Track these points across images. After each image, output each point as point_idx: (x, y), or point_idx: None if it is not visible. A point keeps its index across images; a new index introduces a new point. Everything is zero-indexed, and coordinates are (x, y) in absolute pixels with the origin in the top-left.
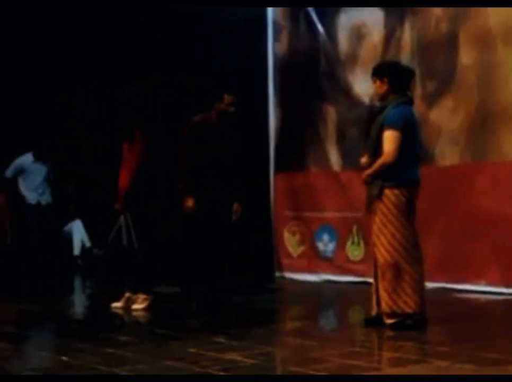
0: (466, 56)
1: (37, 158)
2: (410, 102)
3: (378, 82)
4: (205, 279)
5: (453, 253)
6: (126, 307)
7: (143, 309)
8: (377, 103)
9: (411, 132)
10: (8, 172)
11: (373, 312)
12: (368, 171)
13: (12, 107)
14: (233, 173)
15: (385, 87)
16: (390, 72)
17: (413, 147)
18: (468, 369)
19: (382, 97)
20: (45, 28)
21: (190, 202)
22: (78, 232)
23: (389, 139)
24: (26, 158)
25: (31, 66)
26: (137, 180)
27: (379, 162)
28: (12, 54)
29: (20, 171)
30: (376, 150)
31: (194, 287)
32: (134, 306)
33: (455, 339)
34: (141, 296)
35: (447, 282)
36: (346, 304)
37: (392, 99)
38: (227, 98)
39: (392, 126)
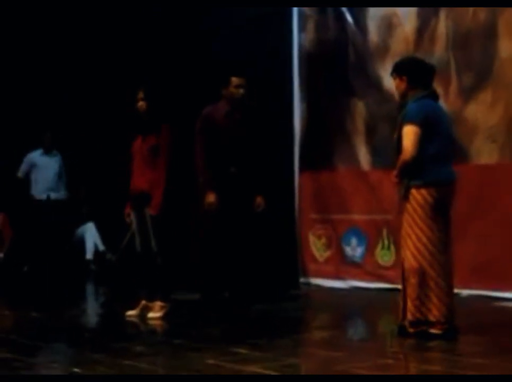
0: (505, 48)
1: (47, 151)
2: (432, 96)
3: (397, 79)
4: (225, 286)
5: (491, 258)
6: (142, 316)
7: (159, 318)
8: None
9: (434, 128)
10: (21, 172)
11: (400, 320)
12: (394, 172)
13: (24, 100)
14: (254, 163)
15: (404, 85)
16: (408, 69)
17: (439, 144)
18: None
19: (403, 95)
20: (58, 23)
21: (211, 198)
22: (90, 236)
23: (406, 135)
24: (36, 153)
25: (42, 60)
26: (169, 181)
27: (400, 160)
28: (25, 47)
29: (32, 166)
30: (399, 150)
31: (214, 294)
32: (150, 314)
33: (491, 351)
34: (158, 304)
35: (484, 289)
36: (375, 312)
37: (411, 95)
38: (234, 80)
39: (409, 121)
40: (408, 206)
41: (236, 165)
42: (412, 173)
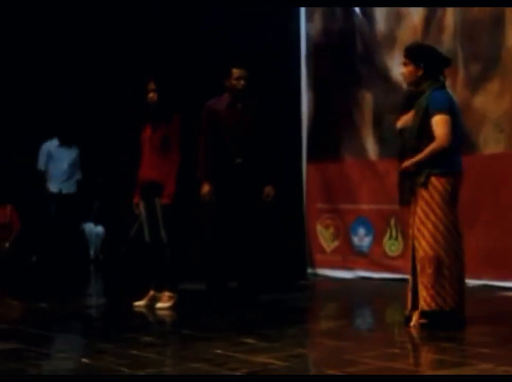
0: None
1: (63, 142)
2: (444, 87)
3: (412, 66)
4: (231, 276)
5: (498, 247)
6: (150, 306)
7: (168, 308)
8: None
9: (454, 118)
10: (40, 164)
11: (407, 311)
12: (414, 159)
13: (39, 90)
14: (261, 153)
15: (420, 73)
16: (427, 58)
17: (457, 134)
18: None
19: (415, 83)
20: (71, 14)
21: (205, 188)
22: (92, 235)
23: (441, 123)
24: (52, 143)
25: (55, 51)
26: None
27: (431, 147)
28: (38, 36)
29: (48, 157)
30: (420, 139)
31: (221, 284)
32: (159, 304)
33: (499, 340)
34: (167, 294)
35: (491, 279)
36: (383, 302)
37: (427, 85)
38: (235, 72)
39: (439, 110)
40: (425, 194)
41: (241, 156)
42: (433, 161)
